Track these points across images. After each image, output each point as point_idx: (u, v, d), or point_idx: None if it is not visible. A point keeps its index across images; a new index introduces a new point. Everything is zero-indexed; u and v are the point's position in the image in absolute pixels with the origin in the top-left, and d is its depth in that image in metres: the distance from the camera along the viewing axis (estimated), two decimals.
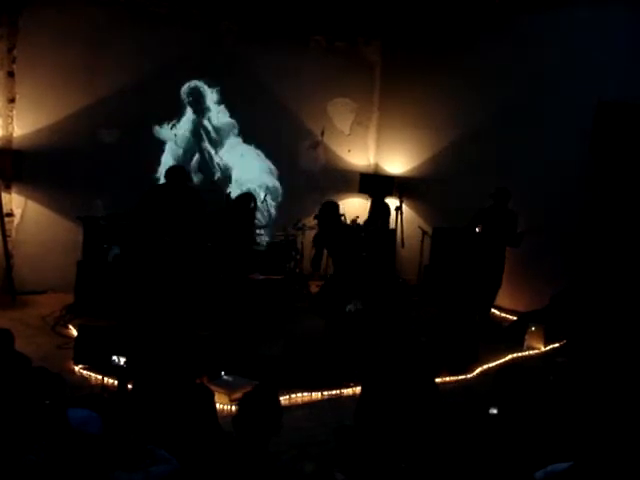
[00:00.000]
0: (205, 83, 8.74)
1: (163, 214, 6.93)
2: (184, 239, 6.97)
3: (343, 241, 7.14)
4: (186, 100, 8.66)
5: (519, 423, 3.47)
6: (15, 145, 7.41)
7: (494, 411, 3.65)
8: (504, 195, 7.45)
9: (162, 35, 8.20)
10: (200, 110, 8.78)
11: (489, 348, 6.63)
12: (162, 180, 7.72)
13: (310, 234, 8.76)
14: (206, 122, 8.87)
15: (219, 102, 8.89)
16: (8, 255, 7.40)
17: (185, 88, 8.62)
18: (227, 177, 9.10)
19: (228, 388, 4.97)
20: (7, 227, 7.36)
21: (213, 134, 8.95)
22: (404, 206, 9.14)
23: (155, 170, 8.37)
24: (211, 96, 8.84)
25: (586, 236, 7.46)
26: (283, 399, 5.02)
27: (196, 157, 8.84)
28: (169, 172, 7.29)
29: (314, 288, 8.60)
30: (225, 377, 5.20)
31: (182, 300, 6.78)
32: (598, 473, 2.76)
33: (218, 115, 8.93)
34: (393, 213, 9.17)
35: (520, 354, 6.77)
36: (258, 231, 8.39)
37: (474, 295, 7.67)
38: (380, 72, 10.23)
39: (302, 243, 8.66)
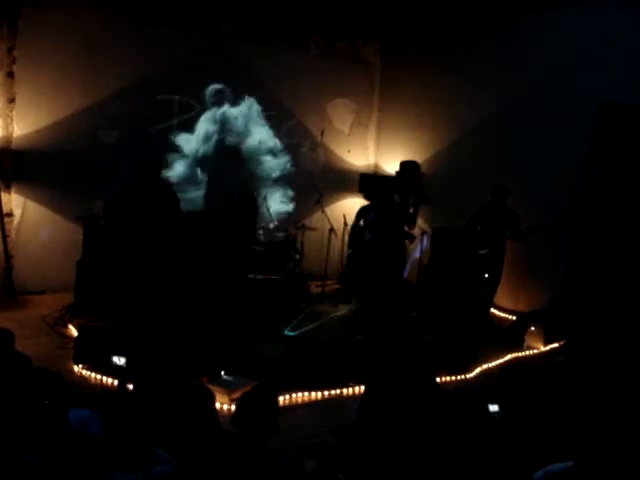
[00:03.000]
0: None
1: (137, 214, 6.68)
2: (163, 237, 6.90)
3: None
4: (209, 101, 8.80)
5: (520, 423, 3.47)
6: (15, 145, 7.40)
7: (494, 408, 3.66)
8: (503, 192, 7.46)
9: (162, 36, 8.21)
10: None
11: (489, 348, 6.64)
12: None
13: (310, 234, 8.80)
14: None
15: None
16: (8, 255, 7.40)
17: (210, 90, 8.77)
18: None
19: (228, 388, 4.97)
20: (7, 227, 7.37)
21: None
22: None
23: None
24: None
25: (586, 236, 7.47)
26: (283, 399, 5.03)
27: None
28: (139, 167, 6.79)
29: (314, 288, 8.63)
30: (225, 377, 5.20)
31: (181, 299, 6.77)
32: (598, 473, 2.76)
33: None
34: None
35: (520, 354, 6.78)
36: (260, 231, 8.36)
37: (474, 294, 7.67)
38: (380, 72, 10.24)
39: (302, 243, 8.66)
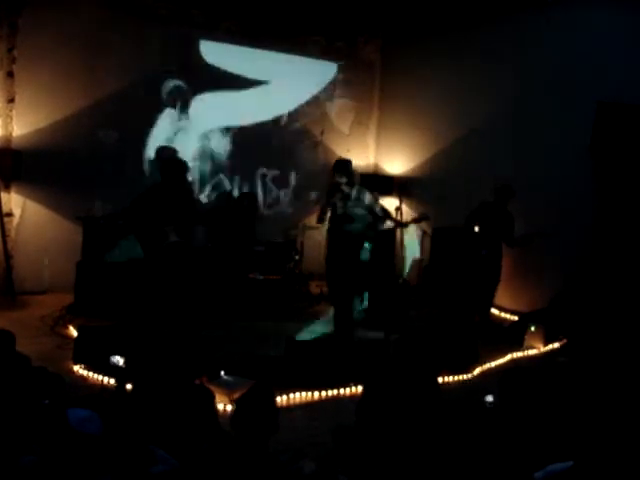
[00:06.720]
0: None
1: (162, 214, 6.69)
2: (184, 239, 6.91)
3: None
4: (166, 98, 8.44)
5: (521, 423, 3.47)
6: (14, 145, 7.40)
7: (489, 399, 3.66)
8: (507, 192, 7.42)
9: (162, 35, 8.21)
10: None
11: (489, 348, 6.63)
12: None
13: (310, 234, 8.79)
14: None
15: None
16: (8, 255, 7.40)
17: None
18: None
19: (228, 388, 4.96)
20: (7, 227, 7.37)
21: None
22: (404, 206, 9.12)
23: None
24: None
25: (586, 236, 7.46)
26: (282, 399, 5.02)
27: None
28: (167, 165, 6.59)
29: (314, 288, 8.62)
30: (225, 377, 5.19)
31: (182, 299, 6.77)
32: (598, 473, 2.75)
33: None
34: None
35: (520, 354, 6.77)
36: None
37: (474, 295, 7.66)
38: (380, 72, 10.23)
39: (302, 243, 8.65)
